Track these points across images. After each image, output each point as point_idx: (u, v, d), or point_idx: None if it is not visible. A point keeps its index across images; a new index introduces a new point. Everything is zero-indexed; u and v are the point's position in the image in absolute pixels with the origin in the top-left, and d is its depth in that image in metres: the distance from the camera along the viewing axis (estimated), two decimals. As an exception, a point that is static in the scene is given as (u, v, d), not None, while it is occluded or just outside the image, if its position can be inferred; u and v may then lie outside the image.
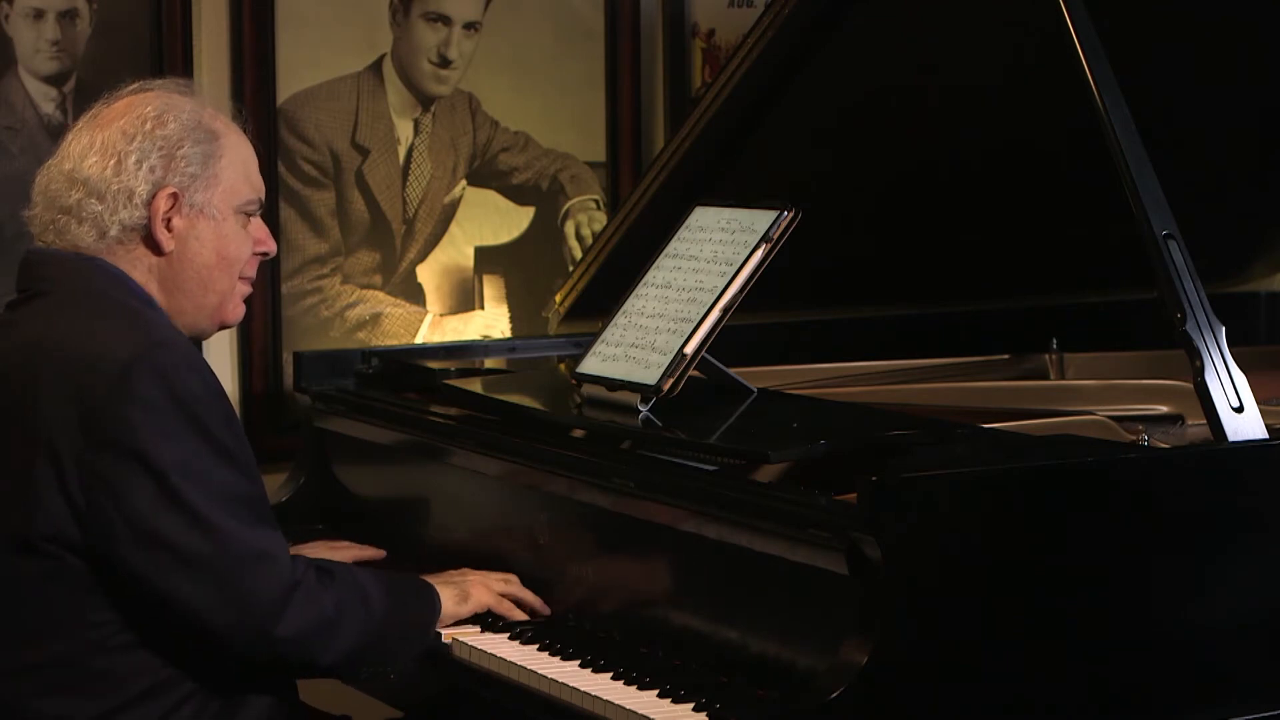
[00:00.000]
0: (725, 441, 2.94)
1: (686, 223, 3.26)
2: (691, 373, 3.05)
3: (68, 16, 3.90)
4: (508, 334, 4.33)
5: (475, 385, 3.53)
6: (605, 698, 2.59)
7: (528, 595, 2.98)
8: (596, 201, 4.43)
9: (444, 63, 4.25)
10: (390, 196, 4.22)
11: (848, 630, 2.43)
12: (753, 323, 3.40)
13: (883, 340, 3.94)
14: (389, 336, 4.22)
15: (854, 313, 4.08)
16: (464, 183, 4.30)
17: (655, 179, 3.73)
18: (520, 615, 2.95)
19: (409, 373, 3.64)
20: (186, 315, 2.79)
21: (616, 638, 2.84)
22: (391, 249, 4.23)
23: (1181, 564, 2.60)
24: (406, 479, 3.43)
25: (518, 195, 4.36)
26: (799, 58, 3.58)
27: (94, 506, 2.58)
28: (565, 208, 4.41)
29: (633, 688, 2.62)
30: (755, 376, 3.27)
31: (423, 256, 4.27)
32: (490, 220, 4.34)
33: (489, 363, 3.85)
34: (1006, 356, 3.94)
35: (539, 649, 2.82)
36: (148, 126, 2.73)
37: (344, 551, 3.24)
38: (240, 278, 2.83)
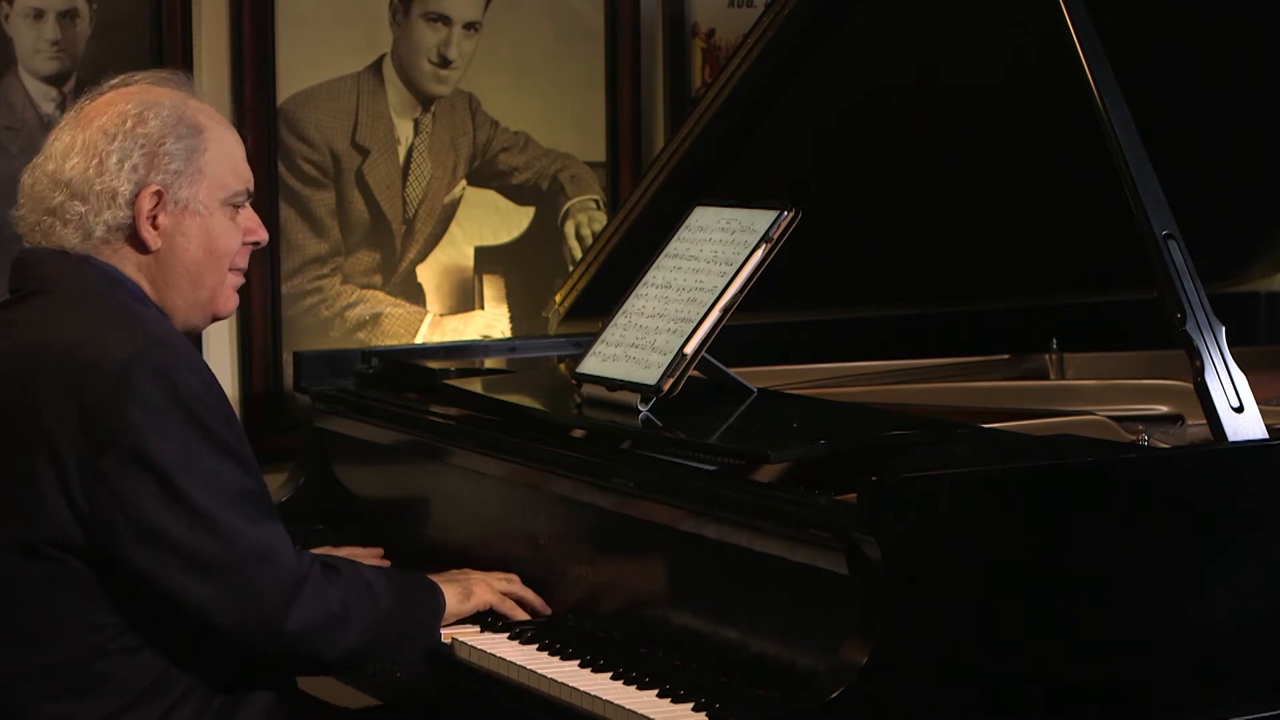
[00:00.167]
0: (725, 441, 2.94)
1: (686, 223, 3.26)
2: (691, 373, 3.05)
3: (68, 16, 3.90)
4: (508, 334, 4.33)
5: (475, 385, 3.53)
6: (605, 698, 2.59)
7: (529, 595, 2.98)
8: (596, 201, 4.43)
9: (444, 63, 4.25)
10: (390, 196, 4.22)
11: (848, 630, 2.43)
12: (753, 323, 3.40)
13: (883, 340, 3.94)
14: (389, 336, 4.22)
15: (854, 313, 4.07)
16: (464, 183, 4.30)
17: (655, 179, 3.73)
18: (522, 614, 2.95)
19: (409, 373, 3.64)
20: (179, 311, 2.78)
21: (616, 638, 2.84)
22: (391, 249, 4.23)
23: (1181, 564, 2.60)
24: (406, 479, 3.43)
25: (518, 195, 4.36)
26: (799, 58, 3.58)
27: (97, 508, 2.58)
28: (565, 208, 4.41)
29: (633, 688, 2.62)
30: (755, 376, 3.27)
31: (423, 256, 4.27)
32: (490, 220, 4.34)
33: (489, 363, 3.85)
34: (1006, 356, 3.94)
35: (539, 649, 2.82)
36: (128, 125, 2.71)
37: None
38: (231, 269, 2.81)
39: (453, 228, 4.30)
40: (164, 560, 2.59)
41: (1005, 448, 2.77)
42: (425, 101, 4.24)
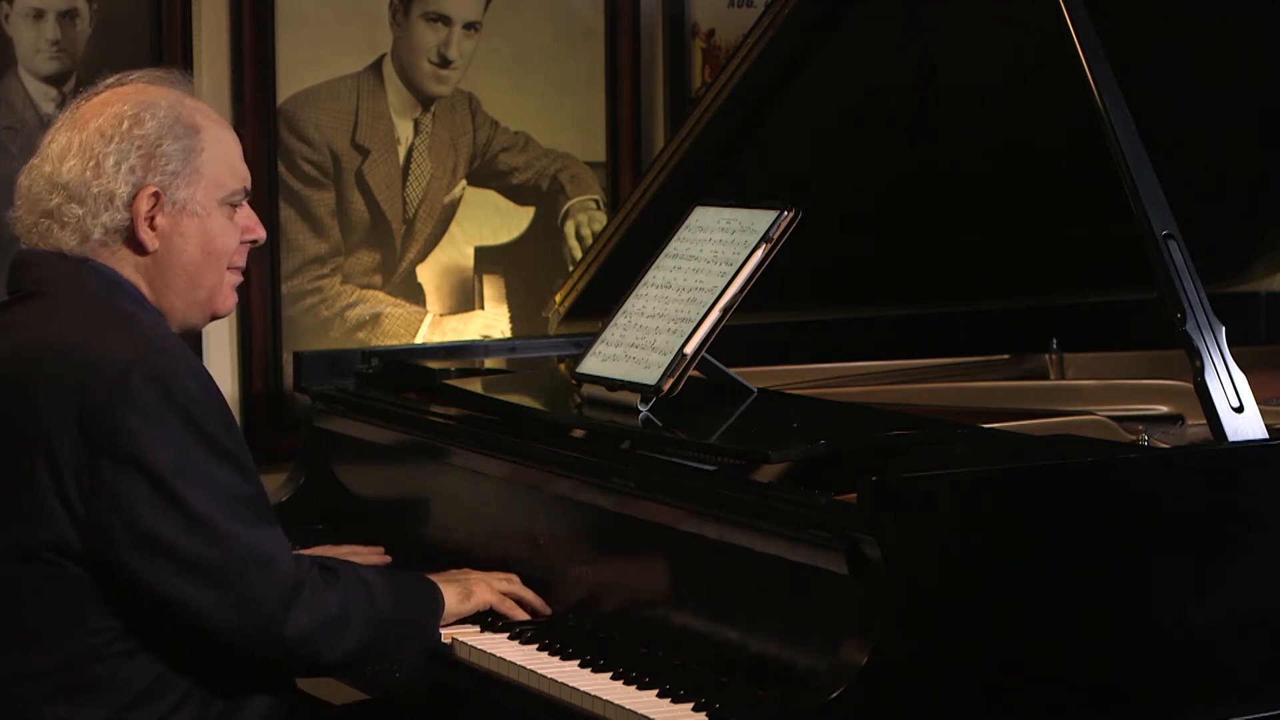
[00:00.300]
0: (725, 441, 2.94)
1: (686, 223, 3.26)
2: (691, 373, 3.05)
3: (68, 16, 3.90)
4: (508, 334, 4.33)
5: (475, 385, 3.53)
6: (605, 698, 2.59)
7: (529, 595, 2.98)
8: (596, 201, 4.43)
9: (444, 63, 4.25)
10: (390, 196, 4.22)
11: (848, 630, 2.42)
12: (753, 323, 3.40)
13: (883, 340, 3.94)
14: (389, 336, 4.22)
15: (854, 313, 4.07)
16: (464, 183, 4.30)
17: (655, 179, 3.73)
18: (522, 615, 2.95)
19: (409, 373, 3.63)
20: (177, 311, 2.77)
21: (616, 638, 2.84)
22: (391, 249, 4.23)
23: (1181, 564, 2.60)
24: (406, 479, 3.43)
25: (518, 195, 4.36)
26: (799, 58, 3.58)
27: (94, 513, 2.57)
28: (565, 208, 4.41)
29: (632, 687, 2.62)
30: (755, 376, 3.27)
31: (423, 256, 4.27)
32: (490, 220, 4.34)
33: (489, 363, 3.85)
34: (1006, 356, 3.94)
35: (539, 649, 2.82)
36: (125, 126, 2.70)
37: (348, 558, 3.22)
38: (229, 268, 2.80)
39: (453, 228, 4.30)
40: (161, 565, 2.58)
41: (1005, 448, 2.77)
42: (425, 101, 4.24)
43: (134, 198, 2.70)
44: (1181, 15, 3.42)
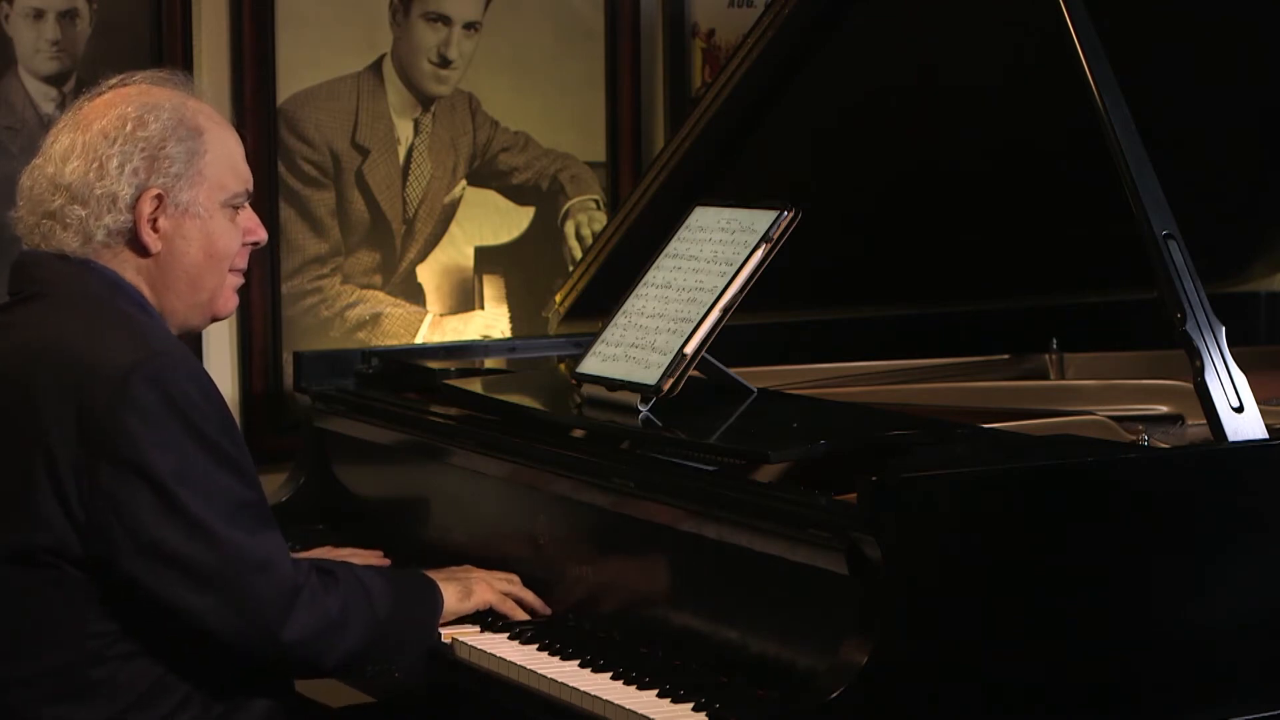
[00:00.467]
0: (725, 441, 2.94)
1: (686, 223, 3.26)
2: (691, 373, 3.05)
3: (68, 16, 3.90)
4: (508, 334, 4.33)
5: (475, 385, 3.53)
6: (605, 698, 2.59)
7: (529, 596, 2.98)
8: (596, 201, 4.43)
9: (444, 63, 4.25)
10: (390, 196, 4.22)
11: (848, 630, 2.42)
12: (753, 323, 3.40)
13: (883, 340, 3.94)
14: (389, 336, 4.22)
15: (854, 313, 4.07)
16: (464, 183, 4.30)
17: (655, 179, 3.73)
18: (522, 615, 2.95)
19: (409, 373, 3.63)
20: (178, 312, 2.77)
21: (616, 638, 2.84)
22: (391, 249, 4.23)
23: (1181, 564, 2.60)
24: (406, 479, 3.43)
25: (518, 195, 4.36)
26: (799, 58, 3.58)
27: (94, 518, 2.57)
28: (565, 208, 4.41)
29: (632, 687, 2.62)
30: (755, 376, 3.27)
31: (423, 256, 4.27)
32: (490, 220, 4.34)
33: (489, 363, 3.85)
34: (1006, 356, 3.94)
35: (539, 649, 2.82)
36: (129, 128, 2.70)
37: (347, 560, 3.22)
38: (231, 270, 2.80)
39: (453, 228, 4.30)
40: (161, 571, 2.58)
41: (1005, 448, 2.77)
42: (425, 101, 4.24)
43: (137, 199, 2.70)
44: (1181, 15, 3.42)
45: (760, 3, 4.48)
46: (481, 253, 4.34)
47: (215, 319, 2.84)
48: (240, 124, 3.93)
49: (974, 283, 4.04)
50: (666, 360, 3.04)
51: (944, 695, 2.44)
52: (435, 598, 2.89)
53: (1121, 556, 2.55)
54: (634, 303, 3.21)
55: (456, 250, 4.30)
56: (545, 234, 4.39)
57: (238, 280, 2.83)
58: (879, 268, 3.98)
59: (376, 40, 4.18)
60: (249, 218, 2.82)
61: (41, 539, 2.59)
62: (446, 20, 4.24)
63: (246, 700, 2.72)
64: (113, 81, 2.79)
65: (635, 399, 3.05)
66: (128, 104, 2.73)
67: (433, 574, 2.95)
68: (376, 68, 4.19)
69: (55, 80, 3.90)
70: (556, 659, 2.77)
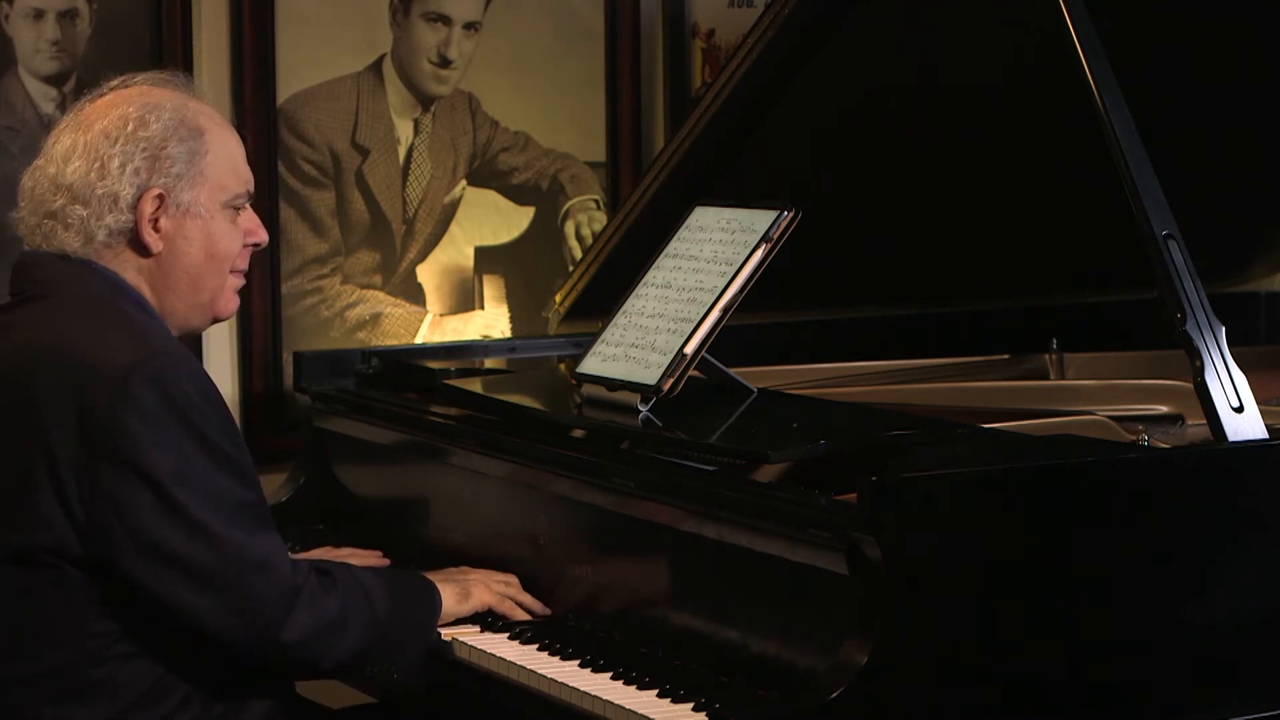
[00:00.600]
0: (725, 441, 2.94)
1: (686, 223, 3.26)
2: (691, 373, 3.05)
3: (68, 16, 3.90)
4: (508, 334, 4.33)
5: (475, 385, 3.53)
6: (605, 698, 2.59)
7: (527, 598, 2.98)
8: (596, 201, 4.43)
9: (444, 63, 4.25)
10: (390, 196, 4.22)
11: (848, 630, 2.42)
12: (753, 323, 3.40)
13: (883, 340, 3.94)
14: (389, 336, 4.22)
15: (854, 313, 4.07)
16: (464, 183, 4.30)
17: (655, 179, 3.73)
18: (522, 615, 2.95)
19: (409, 373, 3.63)
20: (178, 313, 2.77)
21: (616, 638, 2.84)
22: (391, 249, 4.23)
23: (1181, 564, 2.60)
24: (406, 479, 3.43)
25: (518, 195, 4.36)
26: (799, 58, 3.58)
27: (94, 518, 2.57)
28: (565, 208, 4.41)
29: (632, 687, 2.62)
30: (755, 376, 3.27)
31: (423, 256, 4.27)
32: (490, 220, 4.34)
33: (489, 363, 3.85)
34: (1006, 356, 3.94)
35: (539, 649, 2.82)
36: (130, 128, 2.70)
37: (346, 560, 3.21)
38: (232, 271, 2.80)
39: (453, 228, 4.30)
40: (161, 571, 2.58)
41: (1005, 448, 2.77)
42: (425, 101, 4.24)
43: (138, 200, 2.70)
44: (1181, 15, 3.42)
45: (760, 3, 4.48)
46: (481, 253, 4.34)
47: (216, 320, 2.84)
48: (240, 124, 3.93)
49: (974, 283, 4.04)
50: (666, 360, 3.04)
51: (944, 695, 2.44)
52: (434, 599, 2.89)
53: (1121, 556, 2.55)
54: (634, 303, 3.21)
55: (456, 250, 4.30)
56: (545, 234, 4.39)
57: (239, 281, 2.83)
58: (879, 268, 3.98)
59: (376, 40, 4.18)
60: (250, 219, 2.82)
61: (42, 539, 2.59)
62: (446, 20, 4.24)
63: (246, 701, 2.72)
64: (114, 83, 2.79)
65: (635, 399, 3.05)
66: (129, 104, 2.73)
67: (431, 575, 2.95)
68: (376, 68, 4.19)
69: (55, 80, 3.90)
70: (556, 659, 2.77)
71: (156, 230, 2.72)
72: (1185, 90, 3.58)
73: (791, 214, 3.10)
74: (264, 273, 4.06)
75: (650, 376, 3.04)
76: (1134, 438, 3.06)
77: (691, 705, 2.54)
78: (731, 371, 3.17)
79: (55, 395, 2.59)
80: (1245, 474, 2.69)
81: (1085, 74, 2.84)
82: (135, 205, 2.70)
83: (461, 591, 2.93)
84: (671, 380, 3.02)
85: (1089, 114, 2.84)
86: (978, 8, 3.38)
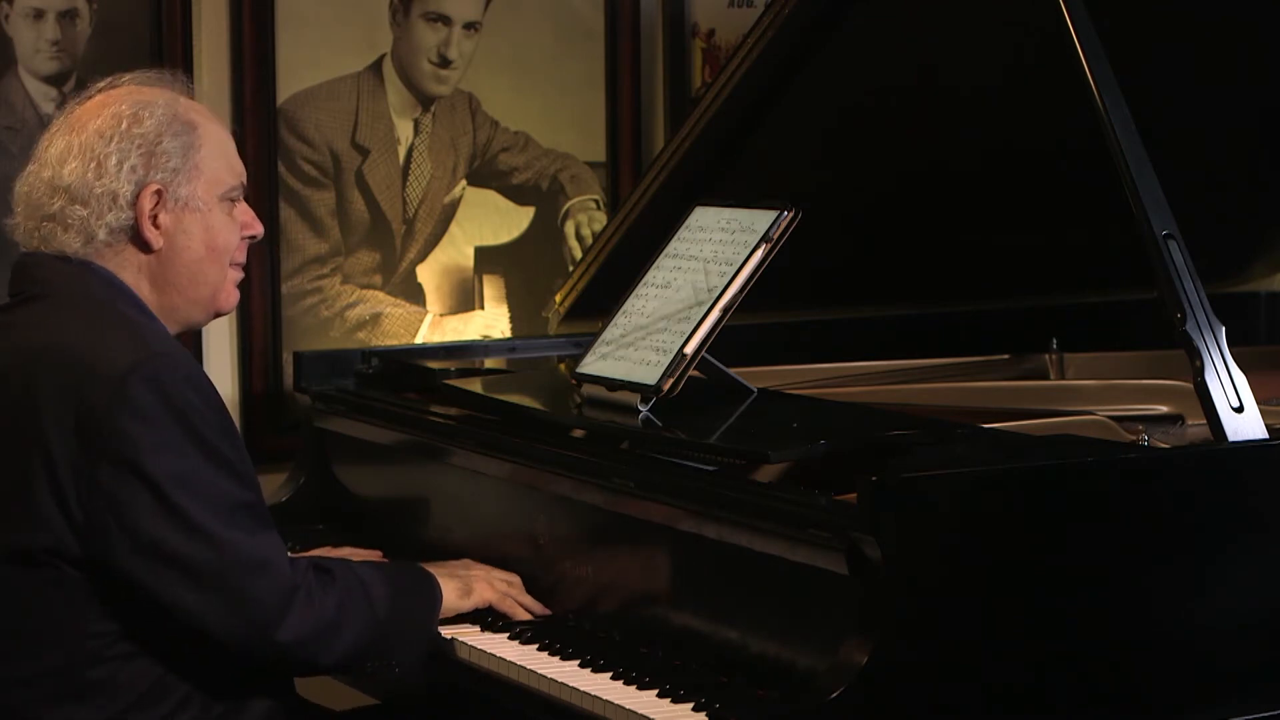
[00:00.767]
0: (725, 441, 2.94)
1: (686, 223, 3.26)
2: (691, 373, 3.05)
3: (68, 16, 3.90)
4: (508, 334, 4.33)
5: (475, 385, 3.53)
6: (605, 697, 2.59)
7: (528, 599, 2.98)
8: (596, 201, 4.43)
9: (444, 63, 4.25)
10: (390, 196, 4.22)
11: (848, 630, 2.42)
12: (753, 323, 3.40)
13: (883, 340, 3.94)
14: (389, 336, 4.22)
15: (854, 313, 4.07)
16: (464, 183, 4.30)
17: (655, 179, 3.73)
18: (523, 614, 2.95)
19: (409, 373, 3.64)
20: (179, 310, 2.78)
21: (616, 638, 2.84)
22: (391, 249, 4.23)
23: (1181, 564, 2.60)
24: (406, 479, 3.43)
25: (518, 195, 4.36)
26: (799, 58, 3.58)
27: (93, 518, 2.57)
28: (565, 208, 4.41)
29: (632, 687, 2.62)
30: (755, 376, 3.27)
31: (423, 256, 4.27)
32: (490, 220, 4.34)
33: (489, 363, 3.85)
34: (1006, 356, 3.94)
35: (539, 649, 2.82)
36: (124, 126, 2.71)
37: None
38: (231, 264, 2.81)
39: (453, 228, 4.30)
40: (160, 571, 2.58)
41: (1005, 448, 2.77)
42: (425, 101, 4.24)
43: (137, 196, 2.71)
44: (1181, 15, 3.42)
45: (760, 3, 4.48)
46: (481, 253, 4.34)
47: (218, 314, 2.84)
48: (240, 124, 3.94)
49: (974, 283, 4.04)
50: (666, 360, 3.04)
51: (944, 695, 2.44)
52: (434, 594, 2.88)
53: (1121, 556, 2.55)
54: (634, 303, 3.21)
55: (456, 250, 4.30)
56: (545, 234, 4.39)
57: (238, 274, 2.84)
58: (879, 268, 3.98)
59: (376, 40, 4.18)
60: (245, 211, 2.83)
61: (41, 539, 2.59)
62: (446, 20, 4.24)
63: (246, 700, 2.73)
64: (100, 84, 2.80)
65: (635, 399, 3.05)
66: (121, 103, 2.73)
67: (433, 568, 2.94)
68: (376, 68, 4.19)
69: (55, 80, 3.90)
70: (556, 659, 2.77)
71: (156, 226, 2.73)
72: (1185, 90, 3.58)
73: (791, 214, 3.10)
74: (264, 273, 4.06)
75: (650, 376, 3.04)
76: (1134, 438, 3.06)
77: (691, 705, 2.54)
78: (731, 371, 3.17)
79: (54, 395, 2.59)
80: (1245, 474, 2.69)
81: (1085, 74, 2.84)
82: (135, 202, 2.71)
83: (464, 587, 2.93)
84: (671, 380, 3.02)
85: (1089, 114, 2.84)
86: (978, 8, 3.37)
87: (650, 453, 2.91)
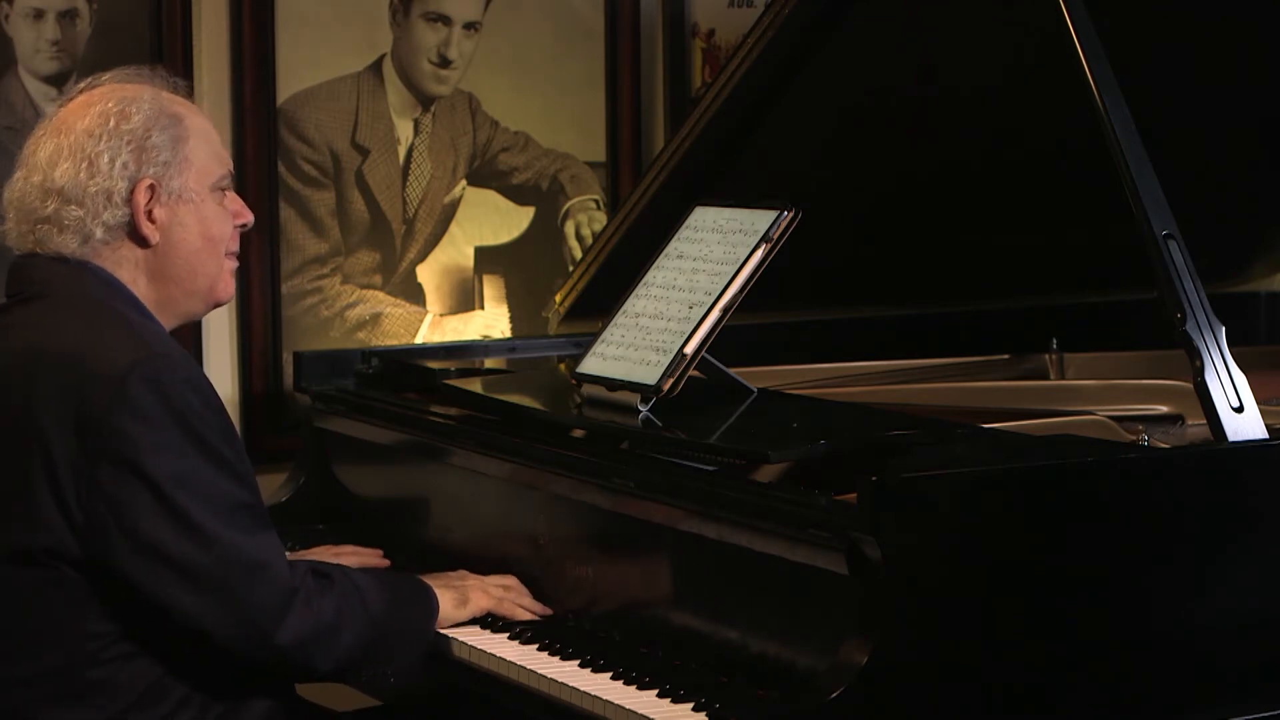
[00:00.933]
0: (725, 441, 2.94)
1: (686, 223, 3.26)
2: (691, 373, 3.05)
3: (68, 16, 3.90)
4: (508, 334, 4.33)
5: (475, 385, 3.53)
6: (605, 697, 2.59)
7: (527, 599, 2.98)
8: (596, 201, 4.43)
9: (444, 63, 4.25)
10: (390, 196, 4.22)
11: (848, 630, 2.42)
12: (753, 323, 3.40)
13: (883, 340, 3.94)
14: (389, 336, 4.22)
15: (854, 313, 4.07)
16: (464, 183, 4.30)
17: (655, 179, 3.73)
18: (522, 614, 2.95)
19: (409, 373, 3.64)
20: (178, 303, 2.78)
21: (616, 638, 2.84)
22: (391, 249, 4.23)
23: (1181, 564, 2.60)
24: (406, 479, 3.43)
25: (518, 195, 4.36)
26: (799, 58, 3.58)
27: (92, 519, 2.57)
28: (565, 208, 4.41)
29: (632, 687, 2.62)
30: (755, 376, 3.27)
31: (423, 256, 4.27)
32: (490, 220, 4.34)
33: (489, 363, 3.85)
34: (1006, 356, 3.94)
35: (539, 649, 2.82)
36: (112, 123, 2.71)
37: (347, 558, 3.22)
38: (226, 254, 2.81)
39: (453, 228, 4.30)
40: (159, 571, 2.58)
41: (1005, 448, 2.77)
42: (425, 101, 4.24)
43: (131, 192, 2.71)
44: (1181, 15, 3.42)
45: (760, 3, 4.48)
46: (481, 253, 4.34)
47: (217, 304, 2.84)
48: (240, 124, 3.95)
49: (974, 283, 4.04)
50: (666, 360, 3.04)
51: (944, 695, 2.44)
52: (430, 603, 2.88)
53: (1121, 556, 2.55)
54: (634, 303, 3.21)
55: (456, 250, 4.30)
56: (545, 234, 4.39)
57: (233, 264, 2.84)
58: (879, 268, 3.98)
59: (376, 40, 4.18)
60: (235, 200, 2.84)
61: (40, 540, 2.59)
62: (446, 20, 4.24)
63: (246, 701, 2.72)
64: (81, 86, 2.80)
65: (635, 399, 3.05)
66: (106, 101, 2.74)
67: (429, 580, 2.94)
68: (376, 68, 4.19)
69: (55, 80, 3.89)
70: (556, 659, 2.77)
71: (152, 221, 2.73)
72: (1185, 90, 3.58)
73: (791, 214, 3.10)
74: (264, 273, 4.06)
75: (650, 376, 3.04)
76: (1134, 438, 3.06)
77: (691, 705, 2.54)
78: (731, 371, 3.17)
79: (54, 396, 2.59)
80: (1245, 474, 2.69)
81: (1085, 74, 2.84)
82: (129, 198, 2.71)
83: (459, 597, 2.93)
84: (671, 380, 3.02)
85: (1089, 114, 2.84)
86: (978, 8, 3.38)
87: (650, 453, 2.91)
